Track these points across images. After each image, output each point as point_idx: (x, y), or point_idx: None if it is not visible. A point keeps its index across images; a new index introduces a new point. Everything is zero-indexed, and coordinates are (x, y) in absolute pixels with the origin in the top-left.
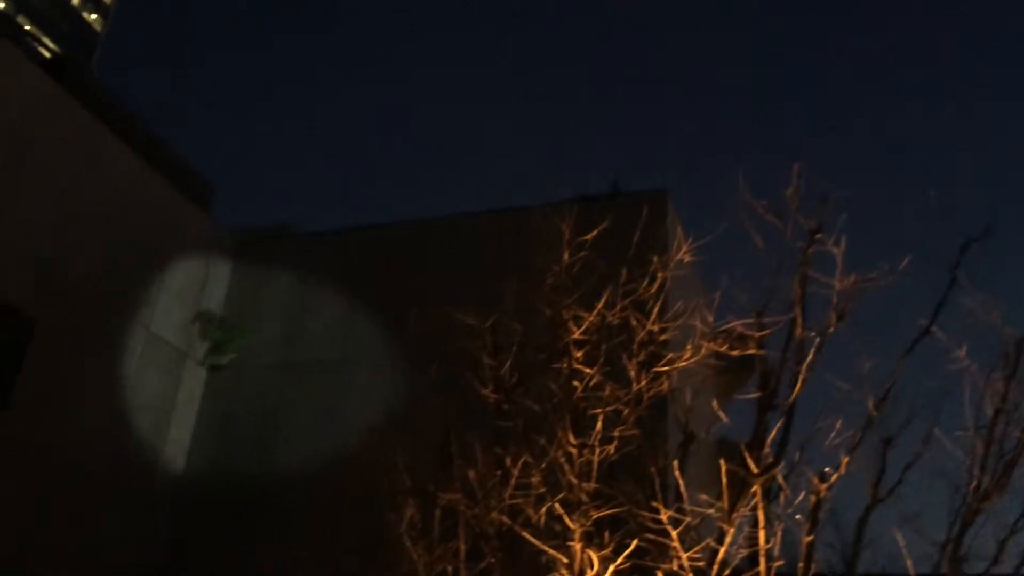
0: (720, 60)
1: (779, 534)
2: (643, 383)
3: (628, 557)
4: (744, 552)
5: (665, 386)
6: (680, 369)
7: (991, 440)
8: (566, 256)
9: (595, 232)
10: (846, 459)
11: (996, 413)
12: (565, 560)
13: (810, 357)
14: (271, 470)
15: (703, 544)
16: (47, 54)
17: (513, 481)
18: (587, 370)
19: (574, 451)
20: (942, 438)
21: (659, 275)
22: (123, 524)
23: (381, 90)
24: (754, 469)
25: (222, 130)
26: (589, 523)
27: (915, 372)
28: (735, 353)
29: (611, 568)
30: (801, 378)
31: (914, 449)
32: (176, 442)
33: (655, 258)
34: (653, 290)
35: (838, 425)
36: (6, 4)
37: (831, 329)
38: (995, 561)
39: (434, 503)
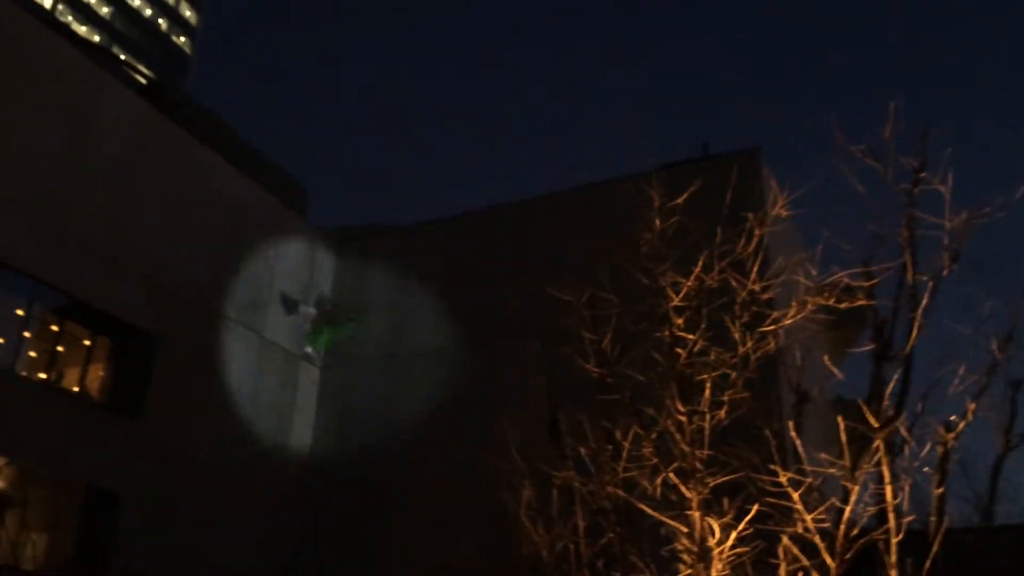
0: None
1: (907, 489)
2: (749, 345)
3: (750, 522)
4: (872, 510)
5: (772, 346)
6: (788, 328)
7: None
8: (657, 222)
9: (685, 195)
10: (972, 406)
11: None
12: (685, 529)
13: (925, 302)
14: (389, 459)
15: (827, 504)
16: (143, 80)
17: (625, 454)
18: (689, 336)
19: (683, 419)
20: None
21: (756, 232)
22: (253, 520)
23: (452, 76)
24: (874, 423)
25: (300, 133)
26: (706, 491)
27: None
28: (844, 306)
29: (733, 535)
30: (916, 325)
31: None
32: (298, 440)
33: (750, 216)
34: (751, 249)
35: (961, 371)
36: (101, 37)
37: (945, 271)
38: None
39: (549, 482)
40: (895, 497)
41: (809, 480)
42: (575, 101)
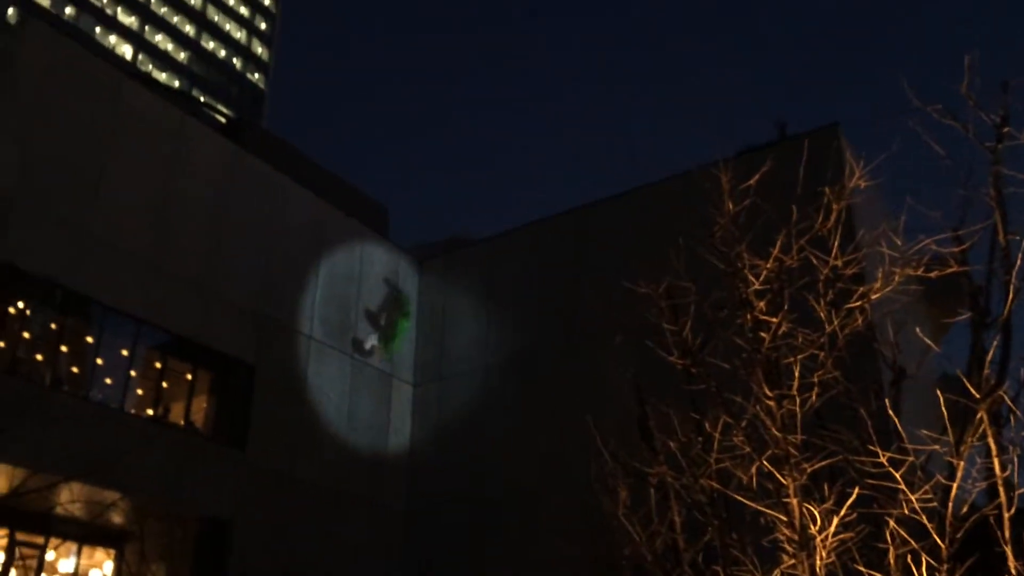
0: None
1: (1015, 461)
2: (836, 323)
3: (852, 507)
4: (981, 485)
5: (860, 323)
6: (878, 303)
7: None
8: (729, 205)
9: (757, 176)
10: None
11: None
12: (784, 518)
13: (1019, 263)
14: (485, 470)
15: (932, 482)
16: (223, 119)
17: (716, 445)
18: (772, 320)
19: (772, 404)
20: None
21: (835, 207)
22: (360, 538)
23: (517, 82)
24: (976, 394)
25: (375, 154)
26: (803, 477)
27: None
28: (934, 275)
29: (835, 520)
30: (1012, 287)
31: None
32: (395, 457)
33: (826, 190)
34: (830, 224)
35: None
36: (180, 82)
37: None
38: None
39: (643, 479)
40: (1004, 470)
41: (911, 459)
42: (650, 97)
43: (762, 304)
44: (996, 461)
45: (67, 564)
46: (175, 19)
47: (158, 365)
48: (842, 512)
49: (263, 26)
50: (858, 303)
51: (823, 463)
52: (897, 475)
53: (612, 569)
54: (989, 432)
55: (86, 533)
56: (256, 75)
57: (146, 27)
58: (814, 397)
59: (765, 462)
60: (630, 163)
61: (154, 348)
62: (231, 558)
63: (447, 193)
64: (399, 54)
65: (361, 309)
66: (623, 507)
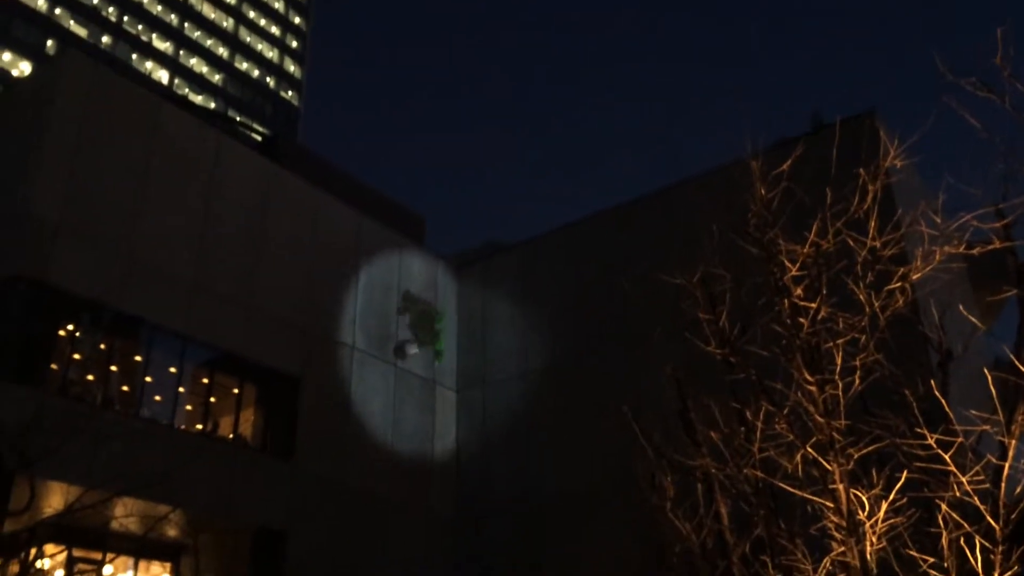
0: None
1: None
2: (876, 305)
3: (902, 491)
4: None
5: (901, 303)
6: (921, 284)
7: None
8: (762, 191)
9: (790, 161)
10: None
11: None
12: (831, 505)
13: None
14: (531, 474)
15: (983, 462)
16: (258, 138)
17: (759, 434)
18: (811, 305)
19: (814, 389)
20: None
21: (871, 188)
22: (411, 544)
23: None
24: None
25: (408, 163)
26: (849, 463)
27: None
28: (976, 252)
29: (883, 505)
30: None
31: None
32: (441, 463)
33: (861, 171)
34: (866, 206)
35: None
36: (216, 104)
37: None
38: None
39: (688, 473)
40: None
41: (959, 440)
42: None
43: (800, 290)
44: None
45: None
46: (208, 42)
47: (205, 381)
48: (891, 497)
49: (294, 44)
50: (898, 284)
51: (870, 448)
52: (947, 457)
53: (663, 564)
54: None
55: (142, 547)
56: (289, 92)
57: (180, 51)
58: (857, 381)
59: (810, 449)
60: (664, 162)
61: (201, 365)
62: (286, 568)
63: (482, 200)
64: (428, 65)
65: (404, 320)
66: (669, 501)
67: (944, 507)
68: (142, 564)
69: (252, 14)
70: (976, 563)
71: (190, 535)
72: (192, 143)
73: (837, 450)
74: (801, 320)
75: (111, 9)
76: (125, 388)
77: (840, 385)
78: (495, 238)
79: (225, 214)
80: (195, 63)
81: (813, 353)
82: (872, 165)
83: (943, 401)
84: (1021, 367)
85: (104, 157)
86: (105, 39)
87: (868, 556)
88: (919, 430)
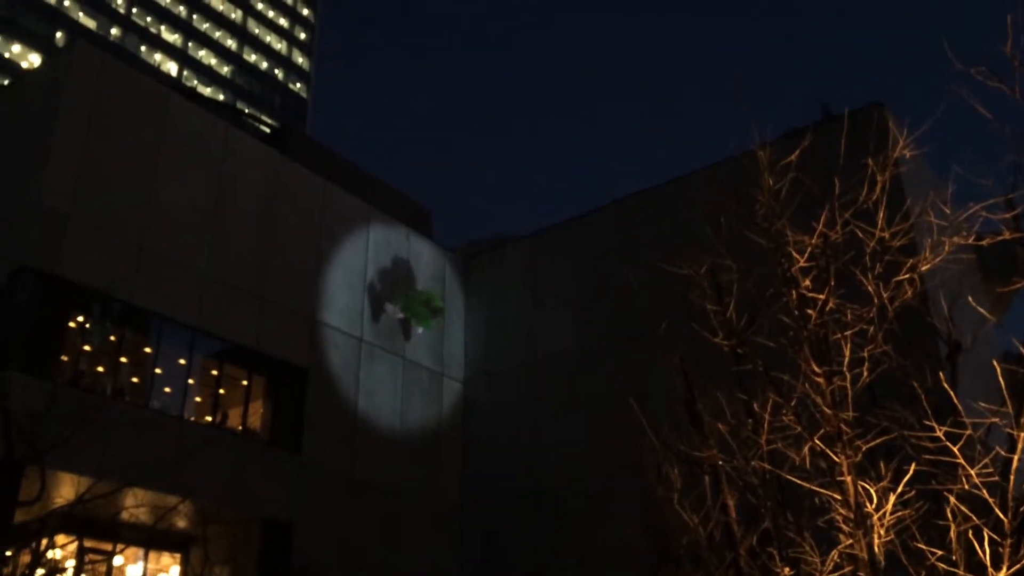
0: None
1: None
2: (885, 296)
3: (910, 483)
4: None
5: (910, 294)
6: (931, 275)
7: None
8: (769, 181)
9: (798, 152)
10: None
11: None
12: (839, 497)
13: None
14: (539, 464)
15: (992, 455)
16: (267, 129)
17: (766, 425)
18: (818, 296)
19: (821, 380)
20: None
21: (879, 178)
22: (419, 533)
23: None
24: None
25: (415, 156)
26: (858, 455)
27: None
28: (986, 243)
29: (891, 498)
30: None
31: None
32: (449, 454)
33: (869, 161)
34: (875, 196)
35: None
36: (224, 95)
37: None
38: None
39: (695, 464)
40: None
41: (967, 432)
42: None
43: (808, 281)
44: None
45: (135, 569)
46: (217, 34)
47: (214, 372)
48: (899, 489)
49: (302, 36)
50: (907, 275)
51: (878, 440)
52: (955, 449)
53: (670, 556)
54: None
55: (152, 538)
56: (298, 84)
57: (189, 43)
58: (865, 373)
59: (817, 441)
60: (673, 153)
61: (210, 356)
62: (294, 559)
63: (489, 192)
64: (436, 57)
65: (412, 311)
66: (676, 493)
67: (952, 500)
68: (152, 555)
69: (260, 6)
70: (984, 556)
71: (199, 526)
72: (201, 134)
73: (845, 442)
74: (809, 311)
75: (120, 1)
76: (135, 379)
77: (848, 377)
78: (502, 230)
79: (234, 206)
80: (204, 55)
81: (821, 344)
82: (881, 156)
83: (952, 393)
84: None
85: (114, 148)
86: (114, 31)
87: (876, 549)
88: (927, 422)
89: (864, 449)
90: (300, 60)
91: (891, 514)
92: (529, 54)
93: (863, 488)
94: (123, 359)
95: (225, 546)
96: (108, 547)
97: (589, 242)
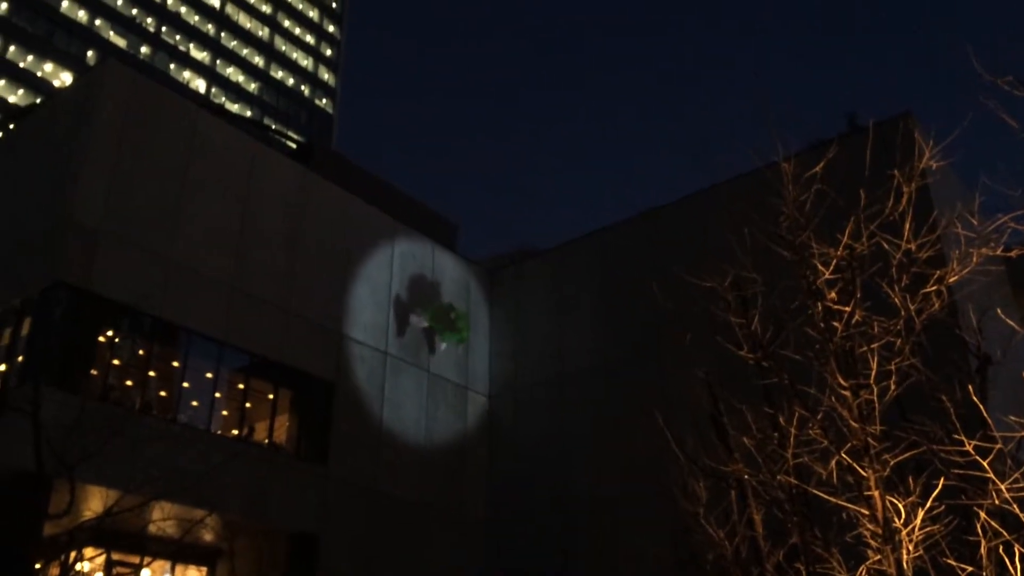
0: None
1: None
2: (912, 308)
3: (939, 498)
4: None
5: (937, 307)
6: (958, 287)
7: None
8: (793, 192)
9: (823, 162)
10: None
11: None
12: (866, 512)
13: None
14: (566, 478)
15: (1022, 469)
16: (293, 145)
17: (792, 439)
18: (844, 309)
19: (848, 394)
20: None
21: (905, 189)
22: (444, 546)
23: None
24: None
25: (440, 169)
26: (885, 469)
27: None
28: (1014, 254)
29: (920, 513)
30: None
31: None
32: (474, 467)
33: (895, 172)
34: (901, 207)
35: None
36: (252, 112)
37: None
38: None
39: (721, 479)
40: None
41: (998, 446)
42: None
43: (833, 293)
44: None
45: None
46: (245, 52)
47: (241, 386)
48: (928, 504)
49: (328, 52)
50: (935, 287)
51: (906, 455)
52: (985, 464)
53: (697, 571)
54: None
55: (179, 551)
56: (324, 100)
57: (218, 61)
58: (893, 386)
59: (844, 455)
60: (697, 166)
61: (237, 370)
62: (319, 571)
63: (514, 205)
64: (460, 72)
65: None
66: (702, 508)
67: (983, 515)
68: (179, 568)
69: (287, 23)
70: (1016, 572)
71: (226, 539)
72: (229, 151)
73: (872, 456)
74: (835, 324)
75: (150, 20)
76: (163, 393)
77: (875, 390)
78: (527, 244)
79: (262, 221)
80: (232, 72)
81: (847, 357)
82: (907, 167)
83: (981, 407)
84: None
85: (144, 165)
86: (144, 49)
87: (904, 565)
88: (957, 436)
89: (892, 463)
90: (326, 76)
91: (920, 530)
92: (560, 65)
93: (891, 503)
94: (151, 373)
95: (251, 559)
96: (136, 560)
97: (613, 255)
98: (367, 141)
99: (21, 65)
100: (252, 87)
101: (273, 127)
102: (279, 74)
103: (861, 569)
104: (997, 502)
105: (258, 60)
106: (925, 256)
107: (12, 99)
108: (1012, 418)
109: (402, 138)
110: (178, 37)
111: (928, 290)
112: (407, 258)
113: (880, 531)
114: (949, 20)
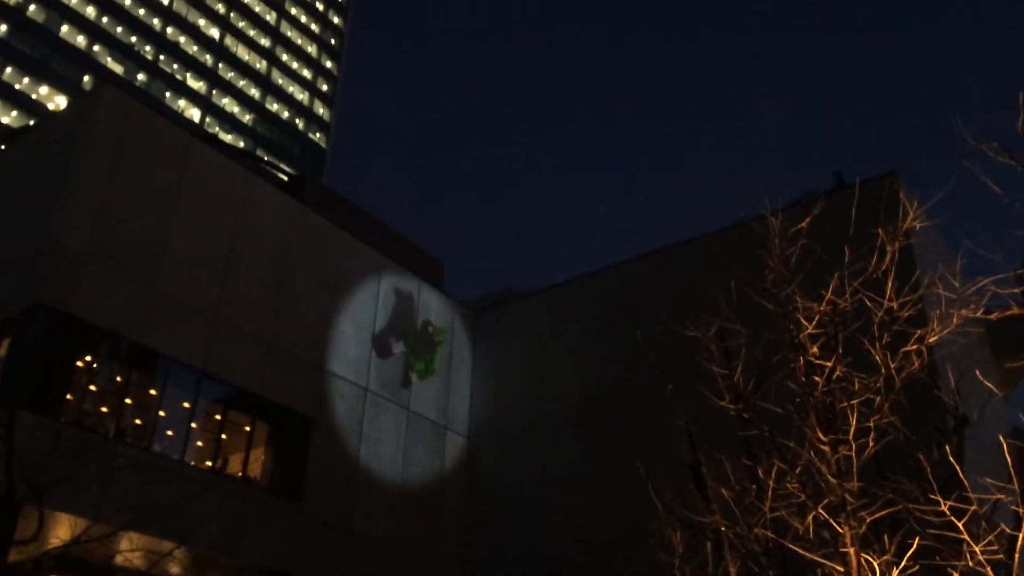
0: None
1: None
2: (892, 366)
3: (914, 558)
4: None
5: (917, 366)
6: (938, 347)
7: None
8: (778, 246)
9: (809, 218)
10: None
11: None
12: (841, 569)
13: None
14: (543, 524)
15: (996, 532)
16: (284, 177)
17: (770, 492)
18: (826, 364)
19: (827, 449)
20: None
21: (889, 248)
22: None
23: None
24: None
25: (428, 207)
26: (862, 527)
27: None
28: (994, 316)
29: (895, 572)
30: None
31: None
32: (451, 509)
33: (879, 231)
34: (884, 266)
35: None
36: (245, 143)
37: None
38: None
39: (697, 529)
40: None
41: (973, 508)
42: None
43: (815, 348)
44: None
45: None
46: (241, 83)
47: (218, 417)
48: (903, 564)
49: (325, 88)
50: (915, 346)
51: (882, 512)
52: (960, 525)
53: None
54: None
55: None
56: (318, 134)
57: (214, 91)
58: (871, 443)
59: (821, 510)
60: (685, 218)
61: (215, 401)
62: None
63: (499, 248)
64: (454, 113)
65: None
66: (678, 559)
67: (956, 575)
68: None
69: (285, 57)
70: None
71: (194, 573)
72: (221, 180)
73: (849, 513)
74: (816, 378)
75: (148, 48)
76: (138, 421)
77: (854, 446)
78: (513, 285)
79: (249, 252)
80: (227, 103)
81: (827, 412)
82: (892, 226)
83: (958, 467)
84: None
85: (134, 190)
86: (141, 76)
87: None
88: (933, 496)
89: (868, 521)
90: (321, 111)
91: None
92: (552, 107)
93: (866, 561)
94: (128, 400)
95: None
96: None
97: (598, 301)
98: (358, 177)
99: (16, 87)
100: (247, 118)
101: (265, 159)
102: (274, 107)
103: None
104: (971, 564)
105: (254, 92)
106: (907, 315)
107: (5, 120)
108: (988, 480)
109: (393, 174)
110: (175, 66)
111: (908, 349)
112: (392, 295)
113: None
114: (949, 80)
